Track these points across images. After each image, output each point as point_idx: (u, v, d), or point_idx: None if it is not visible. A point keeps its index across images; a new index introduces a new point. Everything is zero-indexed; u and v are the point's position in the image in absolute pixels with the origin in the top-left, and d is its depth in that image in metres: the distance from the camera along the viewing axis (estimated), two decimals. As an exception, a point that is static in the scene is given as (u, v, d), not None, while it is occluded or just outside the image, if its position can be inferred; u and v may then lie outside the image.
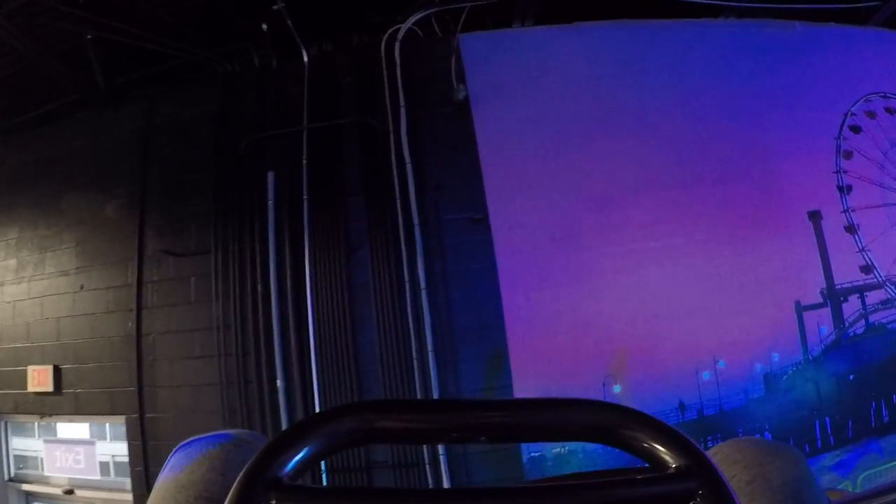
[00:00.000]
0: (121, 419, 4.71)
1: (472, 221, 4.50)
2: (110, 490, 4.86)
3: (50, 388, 4.90)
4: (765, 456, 0.67)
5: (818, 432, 4.67)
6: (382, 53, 4.76)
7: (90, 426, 5.04)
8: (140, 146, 5.07)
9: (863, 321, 4.92)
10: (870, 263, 4.94)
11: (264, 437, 0.73)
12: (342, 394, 4.34)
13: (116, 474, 4.88)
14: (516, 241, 4.51)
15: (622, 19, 4.98)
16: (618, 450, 0.45)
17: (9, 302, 5.23)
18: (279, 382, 4.39)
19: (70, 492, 4.98)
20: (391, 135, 4.62)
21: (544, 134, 4.70)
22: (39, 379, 4.95)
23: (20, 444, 5.37)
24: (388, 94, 4.69)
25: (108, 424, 4.94)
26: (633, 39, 4.98)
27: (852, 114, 5.17)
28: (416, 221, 4.46)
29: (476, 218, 4.50)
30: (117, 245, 4.95)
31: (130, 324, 4.75)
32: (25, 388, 4.99)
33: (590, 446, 4.02)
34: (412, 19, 4.71)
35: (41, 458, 5.20)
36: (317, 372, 4.37)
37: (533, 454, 4.31)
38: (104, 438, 4.97)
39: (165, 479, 0.66)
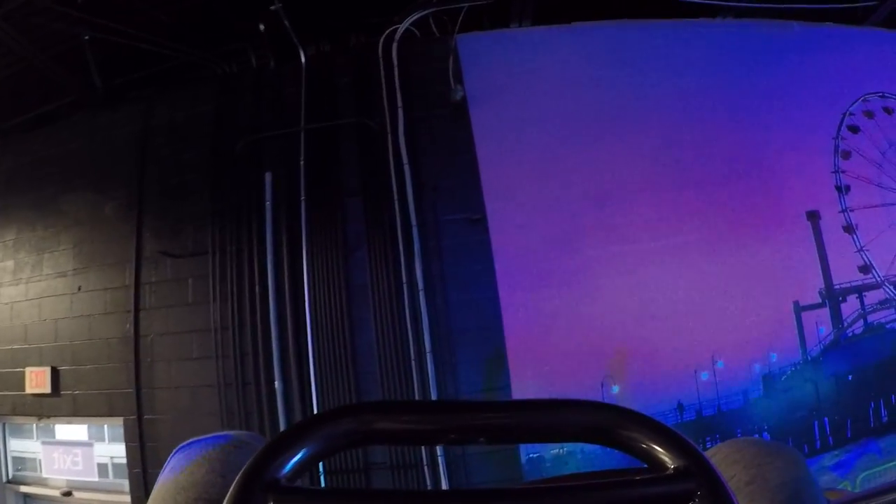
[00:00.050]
0: (119, 421, 4.71)
1: (470, 222, 4.50)
2: (108, 492, 4.85)
3: (48, 390, 4.89)
4: (764, 456, 0.67)
5: (817, 432, 4.67)
6: (380, 54, 4.76)
7: (88, 428, 5.03)
8: (137, 147, 5.06)
9: (861, 321, 4.92)
10: (868, 263, 4.94)
11: (264, 439, 0.73)
12: (340, 395, 4.33)
13: (115, 476, 4.87)
14: (514, 242, 4.51)
15: (620, 19, 4.98)
16: (616, 450, 0.45)
17: (6, 303, 5.22)
18: (277, 384, 4.38)
19: (68, 493, 4.97)
20: (389, 135, 4.62)
21: (542, 134, 4.69)
22: (37, 380, 4.95)
23: (18, 446, 5.36)
24: (386, 94, 4.69)
25: (106, 426, 4.93)
26: (631, 39, 4.97)
27: (850, 113, 5.17)
28: (413, 222, 4.46)
29: (474, 218, 4.49)
30: (115, 246, 4.95)
31: (128, 325, 4.75)
32: (23, 390, 4.98)
33: (588, 447, 4.02)
34: (410, 20, 4.70)
35: (39, 460, 5.19)
36: (315, 373, 4.36)
37: (531, 455, 4.31)
38: (102, 440, 4.96)
39: (165, 481, 0.66)
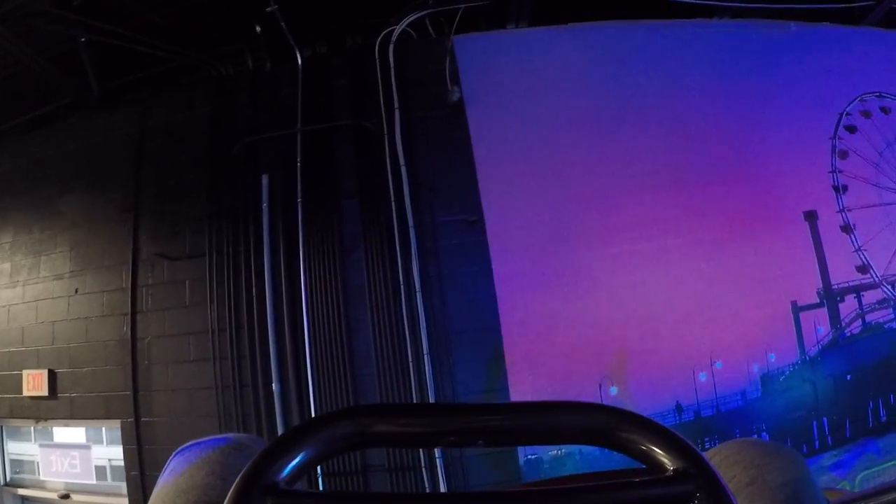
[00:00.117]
0: (116, 423, 4.70)
1: (466, 223, 4.50)
2: (106, 494, 4.84)
3: (45, 393, 4.89)
4: (764, 457, 0.67)
5: (816, 432, 4.67)
6: (376, 55, 4.76)
7: (86, 430, 5.03)
8: (134, 149, 5.07)
9: (859, 321, 4.92)
10: (866, 263, 4.94)
11: (263, 441, 0.73)
12: (338, 397, 4.33)
13: (112, 479, 4.87)
14: (511, 243, 4.51)
15: (616, 20, 4.98)
16: (615, 452, 0.45)
17: (3, 306, 5.22)
18: (275, 386, 4.38)
19: (66, 496, 4.96)
20: (385, 137, 4.62)
21: (539, 135, 4.69)
22: (34, 383, 4.94)
23: (16, 449, 5.36)
24: (383, 96, 4.69)
25: (104, 428, 4.93)
26: (628, 40, 4.97)
27: (847, 113, 5.17)
28: (410, 223, 4.46)
29: (471, 220, 4.49)
30: (112, 248, 4.95)
31: (125, 328, 4.74)
32: (21, 393, 4.97)
33: (586, 448, 4.02)
34: (406, 21, 4.70)
35: (37, 463, 5.18)
36: (312, 375, 4.36)
37: (530, 456, 4.30)
38: (100, 442, 4.96)
39: (165, 483, 0.65)
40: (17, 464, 5.36)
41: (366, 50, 4.83)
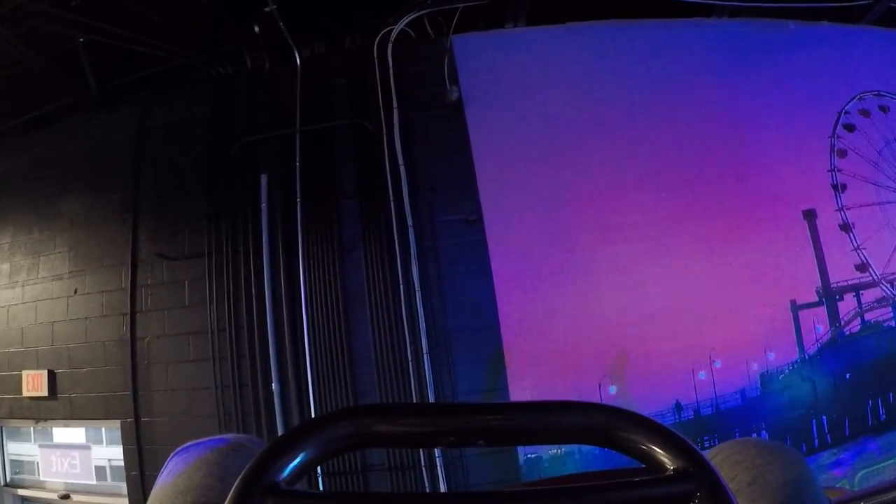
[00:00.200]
0: (116, 423, 4.70)
1: (466, 223, 4.50)
2: (106, 495, 4.84)
3: (45, 393, 4.89)
4: (765, 456, 0.67)
5: (815, 431, 4.67)
6: (375, 55, 4.76)
7: (86, 430, 5.03)
8: (133, 149, 5.06)
9: (859, 319, 4.92)
10: (865, 262, 4.94)
11: (262, 442, 0.73)
12: (337, 396, 4.33)
13: (112, 479, 4.87)
14: (510, 242, 4.51)
15: (614, 19, 4.98)
16: (615, 452, 0.45)
17: (3, 306, 5.22)
18: (274, 386, 4.38)
19: (66, 496, 4.97)
20: (384, 136, 4.62)
21: (538, 134, 4.69)
22: (34, 383, 4.94)
23: (15, 449, 5.36)
24: (381, 95, 4.69)
25: (103, 429, 4.93)
26: (626, 39, 4.97)
27: (846, 112, 5.17)
28: (409, 223, 4.46)
29: (470, 219, 4.49)
30: (111, 249, 4.95)
31: (124, 328, 4.74)
32: (20, 393, 4.98)
33: (586, 447, 4.02)
34: (404, 20, 4.70)
35: (37, 463, 5.19)
36: (312, 375, 4.36)
37: (529, 455, 4.31)
38: (100, 443, 4.96)
39: (163, 484, 0.65)
40: (17, 464, 5.36)
41: (364, 50, 4.83)
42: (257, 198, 4.65)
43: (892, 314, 4.98)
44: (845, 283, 4.90)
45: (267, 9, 4.38)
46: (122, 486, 4.75)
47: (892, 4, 5.19)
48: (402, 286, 4.39)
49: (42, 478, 5.14)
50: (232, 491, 0.41)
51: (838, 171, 5.07)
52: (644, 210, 4.63)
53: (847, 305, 4.90)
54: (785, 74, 5.15)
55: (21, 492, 5.26)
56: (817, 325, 4.80)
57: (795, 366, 4.71)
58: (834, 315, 4.84)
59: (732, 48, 5.14)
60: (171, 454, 0.70)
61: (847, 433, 4.70)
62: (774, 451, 0.68)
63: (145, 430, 4.58)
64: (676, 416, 4.47)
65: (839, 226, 4.97)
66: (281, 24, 4.53)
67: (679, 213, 4.71)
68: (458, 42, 4.77)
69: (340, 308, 4.43)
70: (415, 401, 4.23)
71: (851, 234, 4.96)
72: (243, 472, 0.42)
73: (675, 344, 4.50)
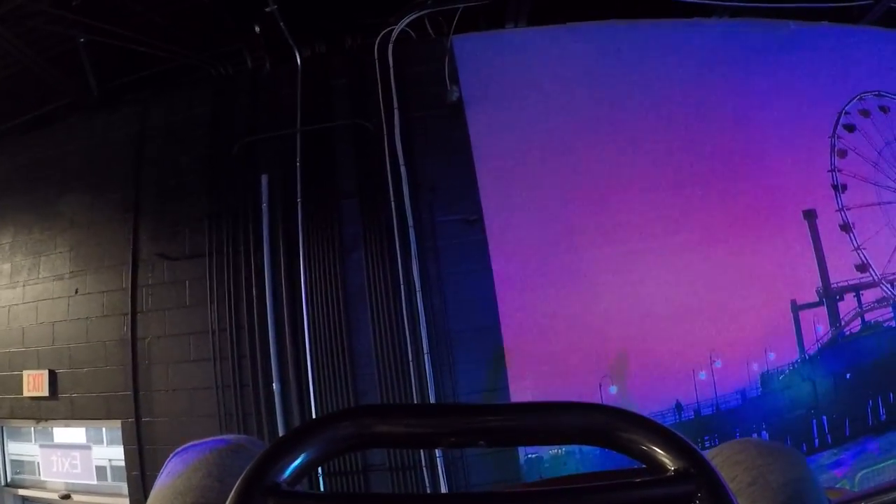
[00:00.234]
0: (117, 423, 4.71)
1: (466, 223, 4.50)
2: (107, 495, 4.85)
3: (45, 393, 4.89)
4: (765, 457, 0.67)
5: (815, 431, 4.67)
6: (376, 55, 4.76)
7: (86, 430, 5.03)
8: (134, 149, 5.06)
9: (859, 320, 4.92)
10: (865, 262, 4.94)
11: (262, 443, 0.73)
12: (338, 396, 4.33)
13: (113, 479, 4.87)
14: (511, 242, 4.51)
15: (615, 19, 4.98)
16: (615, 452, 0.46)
17: (3, 306, 5.21)
18: (275, 385, 4.38)
19: (67, 496, 4.97)
20: (385, 137, 4.62)
21: (538, 134, 4.70)
22: (35, 383, 4.94)
23: (16, 449, 5.36)
24: (382, 95, 4.69)
25: (104, 429, 4.93)
26: (626, 39, 4.97)
27: (846, 112, 5.17)
28: (410, 223, 4.46)
29: (471, 219, 4.50)
30: (112, 249, 4.95)
31: (125, 328, 4.74)
32: (21, 393, 4.98)
33: (586, 447, 4.02)
34: (405, 21, 4.70)
35: (37, 463, 5.19)
36: (313, 375, 4.36)
37: (530, 455, 4.31)
38: (100, 443, 4.96)
39: (162, 486, 0.65)
40: (18, 464, 5.36)
41: (365, 50, 4.83)
42: (258, 198, 4.65)
43: (892, 314, 4.98)
44: (845, 284, 4.90)
45: (267, 9, 4.37)
46: (123, 486, 4.75)
47: (893, 4, 5.19)
48: (402, 286, 4.39)
49: (43, 478, 5.14)
50: (233, 492, 0.41)
51: (838, 171, 5.07)
52: (645, 210, 4.64)
53: (847, 305, 4.90)
54: (785, 74, 5.15)
55: (22, 492, 5.27)
56: (818, 326, 4.80)
57: (796, 366, 4.71)
58: (834, 315, 4.85)
59: (733, 48, 5.14)
60: (170, 455, 0.70)
61: (847, 433, 4.70)
62: (775, 452, 0.68)
63: (146, 430, 4.58)
64: (677, 416, 4.47)
65: (839, 226, 4.98)
66: (281, 24, 4.53)
67: (679, 213, 4.71)
68: (459, 42, 4.77)
69: (341, 308, 4.43)
70: (415, 401, 4.23)
71: (852, 235, 4.96)
72: (244, 472, 0.42)
73: (676, 344, 4.51)
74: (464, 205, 4.54)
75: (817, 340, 4.79)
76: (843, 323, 4.86)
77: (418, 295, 4.36)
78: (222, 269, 4.61)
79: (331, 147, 4.73)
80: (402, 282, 4.40)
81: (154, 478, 0.69)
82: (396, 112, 4.63)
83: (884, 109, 5.29)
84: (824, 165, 5.07)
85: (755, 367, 4.63)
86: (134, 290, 4.78)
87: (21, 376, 4.98)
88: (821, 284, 4.84)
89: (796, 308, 4.77)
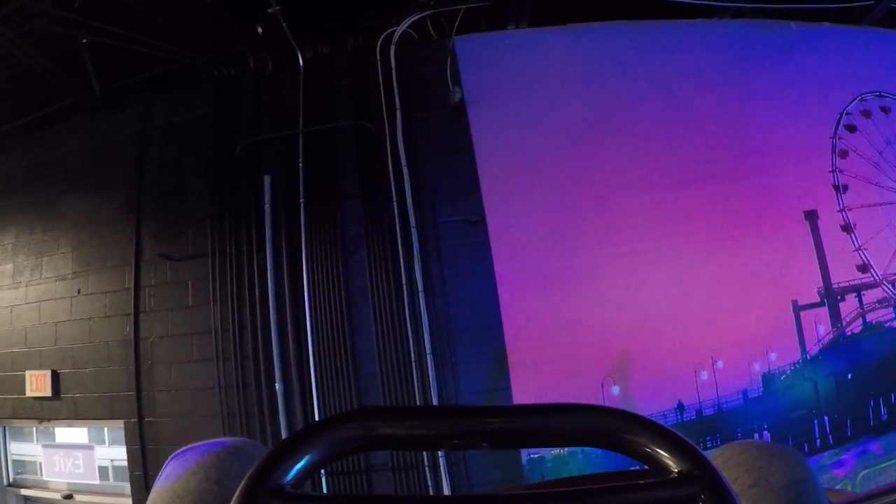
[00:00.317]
0: (119, 424, 4.71)
1: (469, 223, 4.51)
2: (110, 495, 4.85)
3: (48, 393, 4.89)
4: (766, 459, 0.67)
5: (817, 431, 4.68)
6: (378, 56, 4.76)
7: (88, 431, 5.04)
8: (136, 150, 5.07)
9: (860, 320, 4.93)
10: (866, 262, 4.95)
11: (261, 445, 0.74)
12: (341, 396, 4.34)
13: (115, 479, 4.88)
14: (513, 243, 4.51)
15: (616, 20, 4.98)
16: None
17: (6, 307, 5.22)
18: (278, 386, 4.39)
19: (69, 496, 4.97)
20: (387, 137, 4.62)
21: (540, 135, 4.70)
22: (37, 384, 4.95)
23: (18, 450, 5.37)
24: (384, 96, 4.69)
25: (106, 429, 4.94)
26: (628, 40, 4.98)
27: (847, 113, 5.17)
28: (412, 224, 4.47)
29: (473, 220, 4.50)
30: (114, 249, 4.95)
31: (128, 328, 4.75)
32: (24, 393, 4.98)
33: (589, 448, 4.03)
34: (407, 22, 4.70)
35: (40, 463, 5.19)
36: (315, 375, 4.37)
37: (532, 456, 4.32)
38: (102, 443, 4.97)
39: (160, 489, 0.66)
40: (20, 464, 5.37)
41: (367, 51, 4.84)
42: (261, 198, 4.66)
43: (893, 315, 4.98)
44: (847, 284, 4.90)
45: (270, 10, 4.38)
46: (125, 487, 4.75)
47: (893, 5, 5.20)
48: (405, 286, 4.39)
49: (45, 478, 5.15)
50: (236, 494, 0.41)
51: (840, 171, 5.07)
52: (647, 211, 4.64)
53: (849, 306, 4.90)
54: (786, 75, 5.15)
55: (24, 492, 5.27)
56: (819, 326, 4.80)
57: (797, 366, 4.72)
58: (835, 316, 4.85)
59: (734, 49, 5.15)
60: (169, 458, 0.70)
61: (849, 433, 4.70)
62: (776, 453, 0.69)
63: (149, 430, 4.59)
64: (679, 417, 4.48)
65: (841, 226, 4.98)
66: (284, 25, 4.53)
67: (681, 214, 4.71)
68: (461, 43, 4.77)
69: (344, 308, 4.43)
70: (418, 401, 4.24)
71: (853, 235, 4.97)
72: (248, 474, 0.42)
73: (678, 344, 4.51)
74: (466, 205, 4.54)
75: (819, 341, 4.79)
76: (844, 323, 4.87)
77: (421, 295, 4.37)
78: (225, 269, 4.62)
79: (333, 148, 4.73)
80: (404, 282, 4.40)
81: (157, 478, 0.69)
82: (399, 113, 4.64)
83: (885, 110, 5.29)
84: (825, 166, 5.08)
85: (757, 367, 4.63)
86: (137, 291, 4.79)
87: (24, 376, 4.99)
88: (822, 285, 4.85)
89: (798, 308, 4.77)
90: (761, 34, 5.22)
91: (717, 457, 0.69)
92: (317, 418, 4.28)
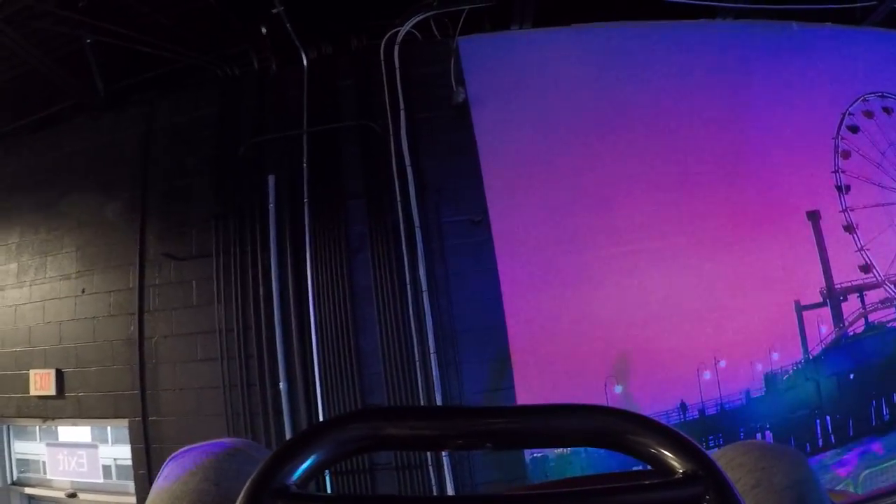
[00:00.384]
0: (124, 422, 4.72)
1: (472, 223, 4.51)
2: (113, 493, 4.86)
3: (52, 392, 4.90)
4: (768, 459, 0.67)
5: (819, 431, 4.69)
6: (381, 56, 4.77)
7: (91, 430, 5.05)
8: (140, 150, 5.07)
9: (862, 320, 4.93)
10: (869, 263, 4.96)
11: (259, 446, 0.74)
12: (345, 396, 4.35)
13: (118, 477, 4.89)
14: (517, 243, 4.52)
15: (619, 21, 4.99)
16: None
17: (10, 306, 5.23)
18: (282, 385, 4.40)
19: (73, 495, 4.99)
20: (391, 137, 4.63)
21: (544, 135, 4.71)
22: (42, 382, 4.96)
23: (22, 448, 5.38)
24: (388, 96, 4.70)
25: (109, 428, 4.95)
26: (631, 40, 4.99)
27: (850, 113, 5.18)
28: (416, 224, 4.48)
29: (476, 220, 4.51)
30: (119, 249, 4.96)
31: (132, 327, 4.76)
32: (28, 392, 4.99)
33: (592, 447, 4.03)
34: (411, 22, 4.72)
35: (43, 462, 5.21)
36: (319, 374, 4.38)
37: (536, 455, 4.32)
38: (105, 442, 4.98)
39: (159, 489, 0.66)
40: (24, 463, 5.38)
41: (371, 51, 4.84)
42: (265, 198, 4.66)
43: (895, 315, 5.00)
44: (849, 284, 4.91)
45: (274, 10, 4.40)
46: (128, 485, 4.77)
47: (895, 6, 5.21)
48: (409, 286, 4.40)
49: (49, 476, 5.16)
50: (241, 495, 0.41)
51: (842, 172, 5.08)
52: (650, 211, 4.65)
53: (851, 306, 4.91)
54: (789, 76, 5.16)
55: (28, 490, 5.29)
56: (821, 326, 4.81)
57: (800, 366, 4.72)
58: (838, 316, 4.86)
59: (737, 50, 5.15)
60: (168, 459, 0.71)
61: (851, 433, 4.71)
62: (778, 454, 0.69)
63: (153, 429, 4.60)
64: (681, 416, 4.49)
65: (843, 227, 4.99)
66: (288, 25, 4.55)
67: (684, 214, 4.72)
68: (465, 43, 4.78)
69: (348, 308, 4.44)
70: (422, 400, 4.25)
71: (855, 235, 4.98)
72: (252, 475, 0.42)
73: (681, 344, 4.52)
74: (469, 205, 4.55)
75: (821, 341, 4.80)
76: (846, 323, 4.88)
77: (424, 295, 4.38)
78: (229, 269, 4.63)
79: (337, 148, 4.74)
80: (408, 282, 4.41)
81: (161, 477, 0.70)
82: (402, 113, 4.65)
83: (887, 111, 5.30)
84: (828, 166, 5.09)
85: (759, 367, 4.64)
86: (141, 290, 4.79)
87: (28, 375, 4.99)
88: (824, 285, 4.86)
89: (800, 308, 4.78)
90: (763, 35, 5.23)
91: (719, 457, 0.70)
92: (321, 418, 4.29)
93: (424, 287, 4.39)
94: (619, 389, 4.45)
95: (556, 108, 4.76)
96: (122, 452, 4.83)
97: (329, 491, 4.18)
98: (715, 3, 5.01)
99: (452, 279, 4.47)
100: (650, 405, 4.42)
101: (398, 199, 4.53)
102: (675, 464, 0.43)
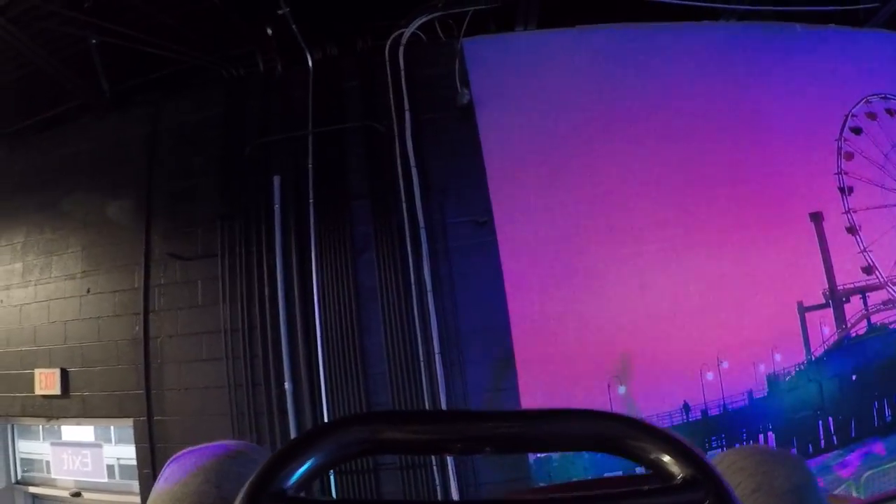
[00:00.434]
0: (128, 422, 4.73)
1: (477, 224, 4.53)
2: (117, 493, 4.88)
3: (57, 391, 4.92)
4: (768, 464, 0.68)
5: (821, 432, 4.70)
6: (386, 57, 4.79)
7: (94, 429, 5.06)
8: (146, 150, 5.09)
9: (865, 322, 4.95)
10: (871, 264, 4.97)
11: (261, 448, 0.74)
12: (350, 396, 4.36)
13: (122, 477, 4.91)
14: (521, 244, 4.54)
15: (623, 22, 5.00)
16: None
17: (16, 305, 5.25)
18: (287, 385, 4.41)
19: (77, 494, 5.00)
20: (396, 138, 4.65)
21: (548, 136, 4.72)
22: (46, 382, 4.97)
23: (26, 448, 5.39)
24: (393, 97, 4.72)
25: (112, 427, 4.96)
26: (635, 42, 5.00)
27: (853, 115, 5.20)
28: (421, 224, 4.49)
29: (481, 221, 4.52)
30: (124, 249, 4.98)
31: (137, 327, 4.77)
32: (33, 392, 5.00)
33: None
34: (416, 23, 4.73)
35: (47, 461, 5.22)
36: (324, 374, 4.39)
37: (539, 455, 4.33)
38: (109, 441, 4.99)
39: (160, 491, 0.66)
40: (28, 462, 5.39)
41: (376, 52, 4.86)
42: (270, 198, 4.68)
43: (898, 316, 5.01)
44: (852, 286, 4.92)
45: (279, 11, 4.41)
46: (132, 485, 4.78)
47: (898, 8, 5.23)
48: (413, 286, 4.42)
49: (53, 475, 5.17)
50: (238, 498, 0.41)
51: (845, 173, 5.10)
52: (653, 212, 4.66)
53: (853, 307, 4.92)
54: (792, 77, 5.18)
55: (32, 489, 5.30)
56: (824, 327, 4.82)
57: (802, 367, 4.74)
58: (840, 317, 4.87)
59: (740, 51, 5.17)
60: (168, 461, 0.71)
61: (853, 434, 4.73)
62: (778, 458, 0.69)
63: (158, 428, 4.61)
64: (684, 417, 4.50)
65: (846, 228, 5.00)
66: (293, 26, 4.56)
67: (687, 215, 4.74)
68: (469, 45, 4.80)
69: (353, 308, 4.46)
70: (426, 400, 4.27)
71: (858, 237, 4.99)
72: (250, 478, 0.42)
73: (684, 345, 4.53)
74: (474, 206, 4.56)
75: (823, 342, 4.81)
76: (849, 325, 4.89)
77: (429, 295, 4.39)
78: (234, 269, 4.64)
79: (342, 148, 4.75)
80: (413, 282, 4.43)
81: (166, 476, 0.70)
82: (407, 114, 4.66)
83: (890, 112, 5.32)
84: (831, 168, 5.10)
85: (762, 368, 4.65)
86: (146, 290, 4.81)
87: (33, 375, 5.01)
88: (827, 286, 4.87)
89: (803, 310, 4.79)
90: (766, 36, 5.25)
91: (720, 462, 0.70)
92: (326, 418, 4.31)
93: (429, 287, 4.40)
94: (622, 390, 4.46)
95: (560, 109, 4.77)
96: (126, 452, 4.84)
97: (334, 490, 4.19)
98: (718, 5, 5.02)
99: (457, 280, 4.48)
100: (653, 406, 4.43)
101: (403, 199, 4.54)
102: (675, 469, 0.43)
